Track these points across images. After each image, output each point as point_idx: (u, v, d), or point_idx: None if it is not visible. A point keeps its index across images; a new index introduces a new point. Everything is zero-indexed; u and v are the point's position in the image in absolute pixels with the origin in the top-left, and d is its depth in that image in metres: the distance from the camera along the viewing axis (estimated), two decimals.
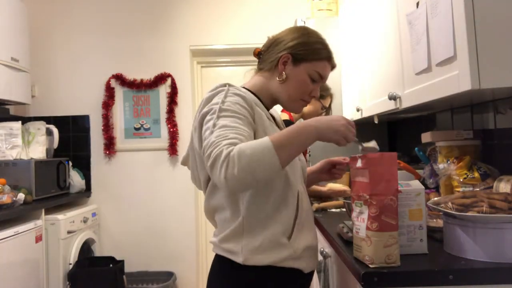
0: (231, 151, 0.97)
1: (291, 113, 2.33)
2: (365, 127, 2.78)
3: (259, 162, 0.97)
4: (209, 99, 1.17)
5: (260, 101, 1.27)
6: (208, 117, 1.11)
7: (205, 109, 1.14)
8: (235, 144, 0.99)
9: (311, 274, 1.28)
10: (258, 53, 1.34)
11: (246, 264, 1.13)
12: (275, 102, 1.32)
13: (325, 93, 2.34)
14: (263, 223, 1.15)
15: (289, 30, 1.31)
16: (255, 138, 1.13)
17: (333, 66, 1.31)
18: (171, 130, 3.52)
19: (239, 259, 1.13)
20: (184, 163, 1.35)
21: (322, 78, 1.27)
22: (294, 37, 1.26)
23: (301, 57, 1.24)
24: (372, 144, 1.25)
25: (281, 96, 1.28)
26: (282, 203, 1.17)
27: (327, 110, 2.41)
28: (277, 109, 1.46)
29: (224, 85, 1.20)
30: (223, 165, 0.96)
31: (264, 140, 1.00)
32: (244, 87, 1.28)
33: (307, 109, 2.31)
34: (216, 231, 1.23)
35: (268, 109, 1.31)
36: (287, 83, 1.25)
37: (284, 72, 1.25)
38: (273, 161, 0.98)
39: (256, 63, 1.37)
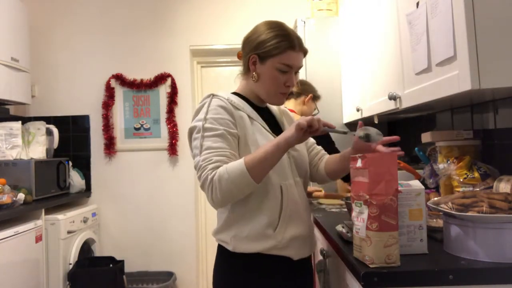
0: (214, 175, 1.16)
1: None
2: None
3: (235, 184, 1.15)
4: (197, 112, 1.32)
5: (250, 102, 1.38)
6: (194, 135, 1.27)
7: (192, 124, 1.29)
8: (218, 167, 1.17)
9: (303, 260, 1.37)
10: (241, 56, 1.43)
11: (236, 252, 1.27)
12: (261, 99, 1.41)
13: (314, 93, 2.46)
14: (247, 216, 1.27)
15: (254, 29, 1.37)
16: (240, 140, 1.27)
17: (304, 52, 1.34)
18: (171, 130, 3.52)
19: (229, 247, 1.28)
20: None
21: (291, 67, 1.32)
22: (256, 37, 1.33)
23: (265, 55, 1.31)
24: (363, 131, 1.29)
25: (260, 94, 1.38)
26: (263, 198, 1.28)
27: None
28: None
29: (209, 95, 1.33)
30: (209, 189, 1.17)
31: (239, 163, 1.16)
32: (234, 92, 1.41)
33: (305, 110, 2.42)
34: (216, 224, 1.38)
35: (260, 107, 1.41)
36: (260, 81, 1.34)
37: (255, 72, 1.34)
38: (247, 180, 1.15)
39: None
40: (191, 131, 1.30)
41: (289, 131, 1.18)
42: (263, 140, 1.29)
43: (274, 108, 1.50)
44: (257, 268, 1.28)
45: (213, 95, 1.32)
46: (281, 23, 1.36)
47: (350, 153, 1.37)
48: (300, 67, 1.36)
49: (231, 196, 1.18)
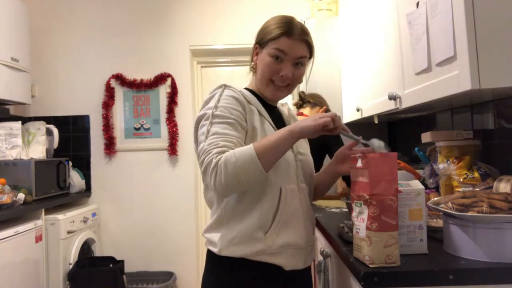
0: (219, 159, 1.08)
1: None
2: (365, 127, 2.79)
3: (242, 169, 1.06)
4: (206, 102, 1.25)
5: (261, 99, 1.33)
6: (202, 122, 1.20)
7: (201, 112, 1.23)
8: (223, 152, 1.09)
9: (297, 272, 1.27)
10: None
11: (221, 255, 1.19)
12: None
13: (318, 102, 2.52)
14: (239, 216, 1.19)
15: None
16: (248, 135, 1.21)
17: (306, 43, 1.28)
18: (171, 130, 3.52)
19: (215, 249, 1.20)
20: None
21: (285, 53, 1.25)
22: (261, 29, 1.33)
23: (262, 43, 1.30)
24: (376, 143, 1.21)
25: (258, 86, 1.33)
26: (259, 198, 1.20)
27: None
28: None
29: (221, 86, 1.27)
30: (213, 173, 1.08)
31: (248, 148, 1.08)
32: (246, 88, 1.36)
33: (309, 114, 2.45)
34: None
35: (270, 106, 1.37)
36: (257, 71, 1.32)
37: (253, 63, 1.33)
38: (255, 166, 1.07)
39: None
40: (199, 119, 1.22)
41: (306, 121, 1.12)
42: None
43: (284, 110, 1.44)
44: (245, 274, 1.19)
45: (225, 85, 1.26)
46: (289, 16, 1.32)
47: (331, 165, 1.38)
48: (298, 56, 1.26)
49: (236, 182, 1.07)
